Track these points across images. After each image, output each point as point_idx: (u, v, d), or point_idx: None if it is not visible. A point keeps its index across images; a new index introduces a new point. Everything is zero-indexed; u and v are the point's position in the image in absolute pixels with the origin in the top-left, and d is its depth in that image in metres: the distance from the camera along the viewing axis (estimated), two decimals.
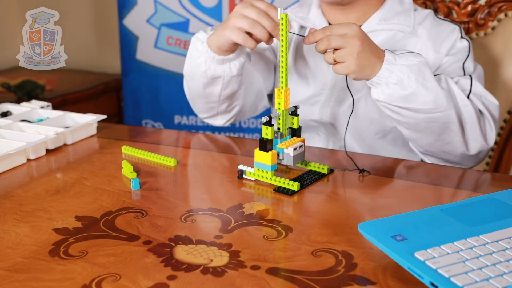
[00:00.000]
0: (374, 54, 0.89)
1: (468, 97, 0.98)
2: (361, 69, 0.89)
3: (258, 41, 0.94)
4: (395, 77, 0.90)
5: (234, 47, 0.99)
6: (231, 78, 1.04)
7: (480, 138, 0.99)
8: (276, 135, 0.85)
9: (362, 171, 0.89)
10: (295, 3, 1.24)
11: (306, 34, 0.91)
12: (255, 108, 1.22)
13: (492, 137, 1.01)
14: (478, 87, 1.02)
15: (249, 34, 0.93)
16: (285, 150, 0.85)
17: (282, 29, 0.83)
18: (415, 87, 0.90)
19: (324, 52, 0.89)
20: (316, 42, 0.89)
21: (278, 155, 0.85)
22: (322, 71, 1.14)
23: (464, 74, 1.04)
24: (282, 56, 0.84)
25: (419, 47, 1.07)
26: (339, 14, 1.12)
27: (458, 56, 1.06)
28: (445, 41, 1.07)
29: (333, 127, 1.15)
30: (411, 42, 1.08)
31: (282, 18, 0.83)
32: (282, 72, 0.84)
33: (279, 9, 0.85)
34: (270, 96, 1.25)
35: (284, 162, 0.85)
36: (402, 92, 0.91)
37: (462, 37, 1.08)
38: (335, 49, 0.88)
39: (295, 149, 0.84)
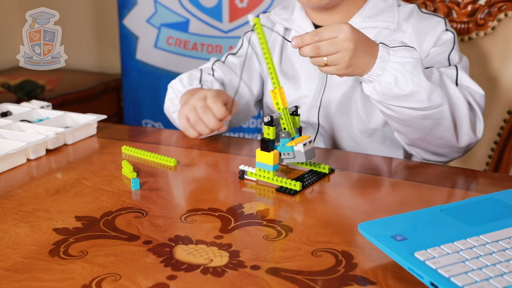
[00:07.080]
0: (367, 53, 0.85)
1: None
2: (353, 70, 0.86)
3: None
4: (389, 76, 0.86)
5: None
6: None
7: (470, 132, 0.98)
8: (283, 134, 0.85)
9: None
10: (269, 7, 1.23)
11: (291, 36, 0.88)
12: (245, 115, 1.22)
13: (480, 128, 1.00)
14: (464, 77, 1.01)
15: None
16: (295, 148, 0.84)
17: (259, 32, 0.81)
18: (410, 87, 0.87)
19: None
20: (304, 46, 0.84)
21: (279, 155, 0.85)
22: (308, 72, 1.14)
23: (450, 65, 1.04)
24: (267, 58, 0.82)
25: (405, 41, 1.07)
26: (323, 15, 1.12)
27: (444, 48, 1.06)
28: (430, 34, 1.07)
29: (322, 128, 1.15)
30: (397, 38, 1.07)
31: (255, 24, 0.80)
32: (271, 73, 0.83)
33: (249, 15, 0.81)
34: (260, 101, 1.26)
35: (297, 160, 0.85)
36: (396, 91, 0.87)
37: (447, 29, 1.08)
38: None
39: (304, 144, 0.84)
